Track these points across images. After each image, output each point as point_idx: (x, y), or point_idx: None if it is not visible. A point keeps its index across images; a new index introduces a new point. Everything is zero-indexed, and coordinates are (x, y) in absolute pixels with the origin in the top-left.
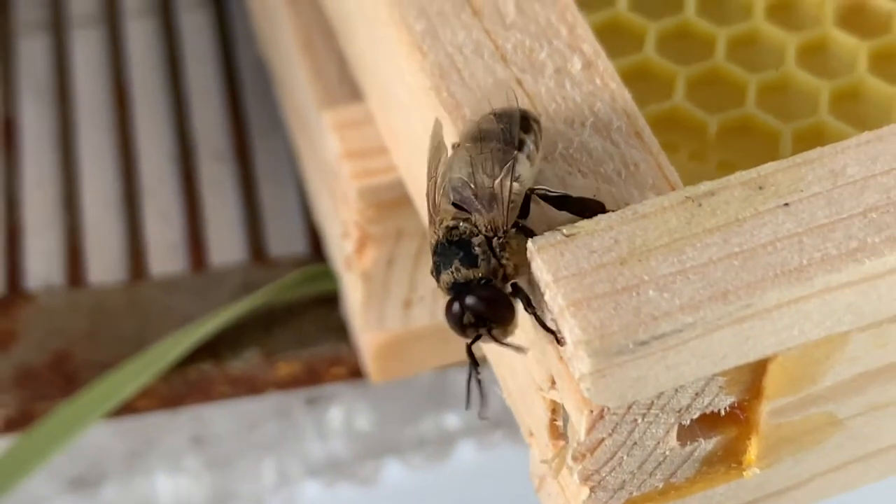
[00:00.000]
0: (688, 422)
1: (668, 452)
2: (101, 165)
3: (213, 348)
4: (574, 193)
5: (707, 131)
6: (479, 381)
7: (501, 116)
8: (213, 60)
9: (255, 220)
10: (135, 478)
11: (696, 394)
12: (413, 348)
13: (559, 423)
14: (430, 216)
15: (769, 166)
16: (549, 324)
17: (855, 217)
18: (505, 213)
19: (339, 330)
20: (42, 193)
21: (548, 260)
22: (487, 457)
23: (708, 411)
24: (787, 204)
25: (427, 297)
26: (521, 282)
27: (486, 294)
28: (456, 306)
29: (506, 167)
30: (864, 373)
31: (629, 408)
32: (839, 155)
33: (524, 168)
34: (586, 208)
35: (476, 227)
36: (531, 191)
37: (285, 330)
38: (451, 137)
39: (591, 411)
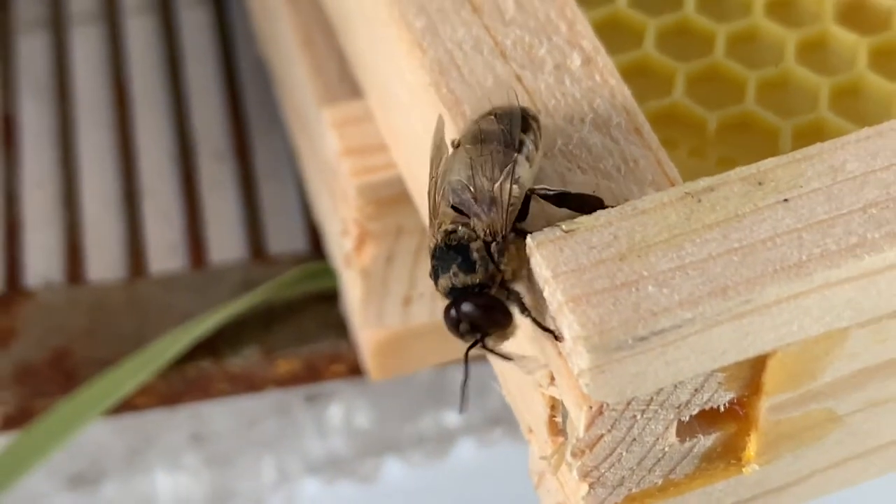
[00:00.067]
0: (687, 418)
1: (667, 449)
2: (100, 163)
3: (212, 346)
4: (573, 190)
5: (707, 128)
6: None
7: (502, 117)
8: (212, 58)
9: (254, 219)
10: (134, 475)
11: (696, 390)
12: (412, 345)
13: (558, 419)
14: (430, 216)
15: (768, 162)
16: (548, 322)
17: (854, 213)
18: (504, 216)
19: (339, 327)
20: (42, 191)
21: (547, 256)
22: (487, 454)
23: (707, 407)
24: (786, 200)
25: (426, 294)
26: (518, 286)
27: (482, 302)
28: (453, 312)
29: (505, 170)
30: (864, 369)
31: (628, 404)
32: (839, 151)
33: (524, 170)
34: (585, 204)
35: (474, 231)
36: (531, 191)
37: (285, 327)
38: (451, 135)
39: (590, 407)
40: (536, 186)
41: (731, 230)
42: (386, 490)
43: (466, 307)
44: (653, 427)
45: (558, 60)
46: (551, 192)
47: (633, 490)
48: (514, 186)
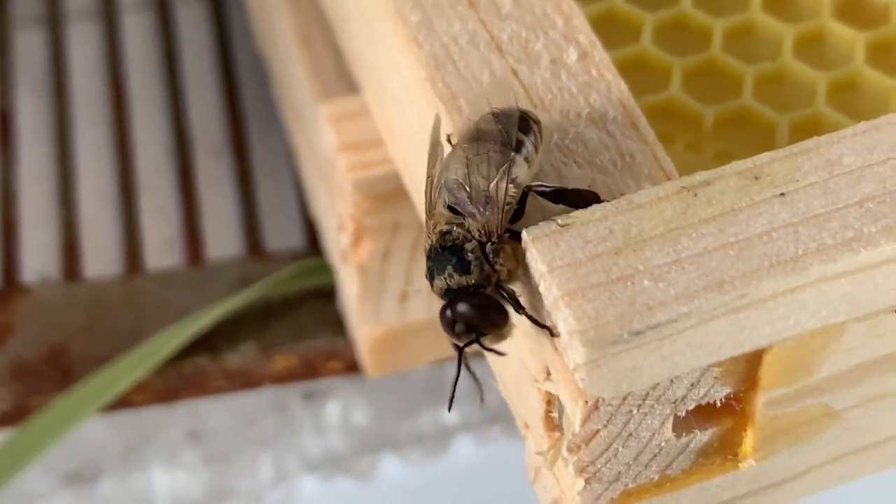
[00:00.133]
0: (683, 413)
1: (663, 444)
2: (97, 159)
3: (209, 342)
4: (569, 184)
5: (703, 122)
6: (473, 374)
7: (500, 117)
8: (210, 55)
9: (251, 215)
10: (131, 473)
11: (692, 384)
12: (409, 342)
13: (554, 414)
14: (427, 215)
15: (765, 156)
16: (544, 317)
17: (851, 207)
18: (499, 216)
19: (336, 324)
20: (38, 187)
21: (542, 250)
22: (485, 451)
23: (703, 402)
24: (783, 194)
25: (423, 290)
26: (514, 286)
27: (477, 302)
28: (448, 313)
29: (501, 170)
30: (861, 364)
31: (624, 399)
32: (835, 145)
33: (521, 170)
34: (581, 200)
35: (469, 232)
36: (528, 188)
37: (282, 324)
38: (447, 129)
39: (586, 402)
40: (533, 183)
41: (728, 224)
42: (384, 488)
43: (462, 307)
44: (649, 422)
45: (555, 55)
46: (547, 189)
47: (630, 485)
48: (511, 186)
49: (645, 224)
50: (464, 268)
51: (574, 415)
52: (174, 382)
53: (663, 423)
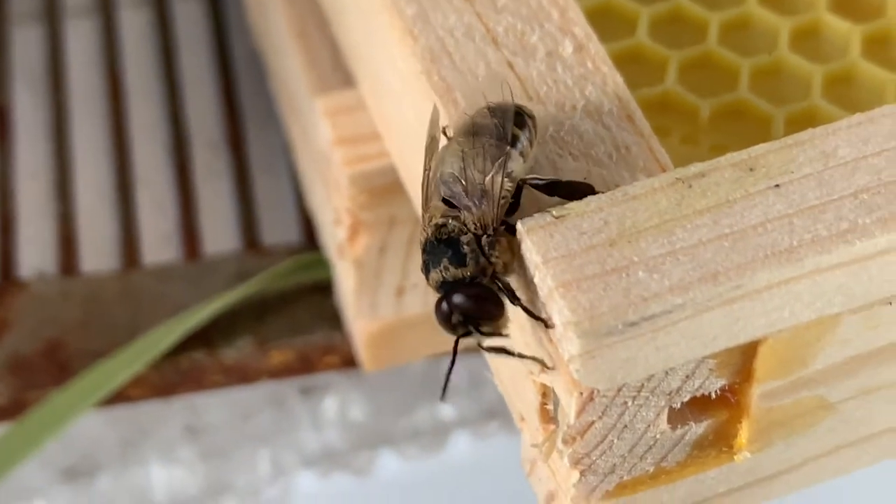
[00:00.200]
0: (678, 405)
1: (658, 436)
2: (94, 155)
3: (205, 337)
4: (565, 176)
5: (699, 115)
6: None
7: (495, 111)
8: (207, 50)
9: (248, 210)
10: (129, 468)
11: (687, 376)
12: (406, 336)
13: (550, 407)
14: (423, 209)
15: (760, 148)
16: (539, 309)
17: (846, 198)
18: (495, 209)
19: (333, 318)
20: (35, 182)
21: (537, 241)
22: (482, 447)
23: (698, 394)
24: (777, 185)
25: (420, 284)
26: (510, 279)
27: (473, 292)
28: (444, 305)
29: (497, 163)
30: (856, 356)
31: (619, 390)
32: (830, 137)
33: (516, 164)
34: (576, 191)
35: (465, 224)
36: (523, 181)
37: (278, 318)
38: (443, 121)
39: (581, 393)
40: (528, 176)
41: (722, 216)
42: (381, 483)
43: (457, 298)
44: (644, 414)
45: (550, 47)
46: (542, 182)
47: (625, 477)
48: (506, 180)
49: (640, 215)
50: (459, 260)
51: (569, 406)
52: (171, 377)
53: (658, 414)
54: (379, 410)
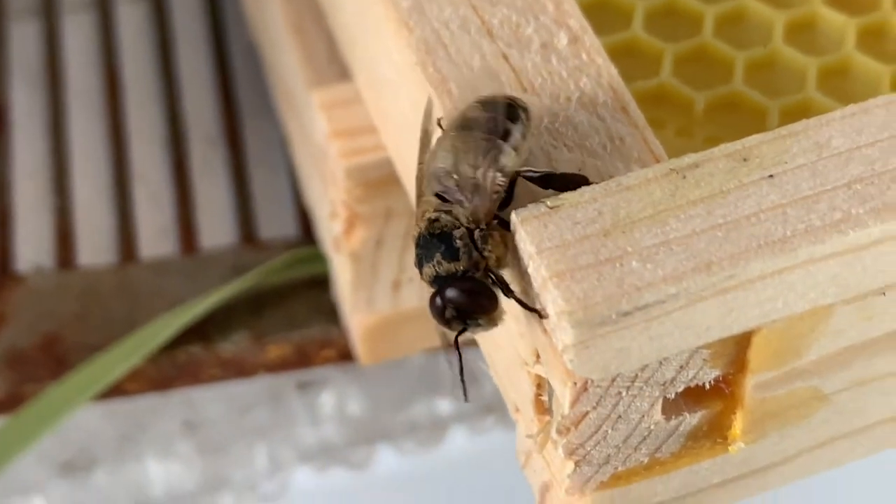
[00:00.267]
0: (672, 395)
1: (652, 426)
2: (92, 149)
3: (202, 331)
4: (559, 167)
5: (694, 108)
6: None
7: (487, 105)
8: (204, 45)
9: (246, 205)
10: (126, 463)
11: (681, 367)
12: (402, 330)
13: (544, 398)
14: (416, 203)
15: (754, 138)
16: (533, 300)
17: (839, 189)
18: (487, 203)
19: (330, 312)
20: (32, 177)
21: (531, 231)
22: (479, 442)
23: (692, 385)
24: (771, 176)
25: (416, 278)
26: (502, 271)
27: (466, 286)
28: (438, 300)
29: (489, 157)
30: (850, 346)
31: (613, 380)
32: (824, 127)
33: (509, 158)
34: (570, 183)
35: (457, 219)
36: (517, 173)
37: (275, 312)
38: (438, 114)
39: (575, 383)
40: (522, 168)
41: (716, 206)
42: (378, 478)
43: (451, 292)
44: (638, 404)
45: (545, 39)
46: (536, 175)
47: (619, 468)
48: (499, 174)
49: (633, 206)
50: (452, 254)
51: (563, 396)
52: (168, 371)
53: (652, 405)
54: (376, 405)
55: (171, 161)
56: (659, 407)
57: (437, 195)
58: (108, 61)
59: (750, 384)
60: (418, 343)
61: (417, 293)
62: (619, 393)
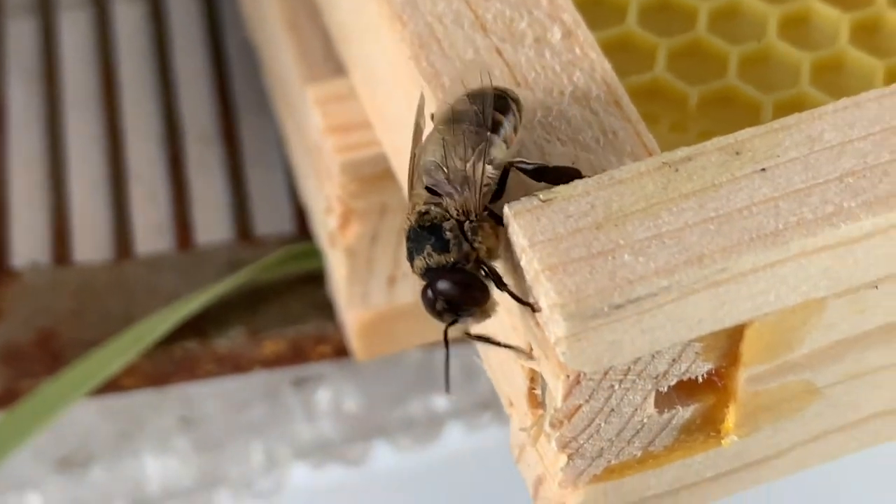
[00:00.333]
0: (665, 388)
1: (645, 420)
2: (88, 147)
3: (198, 327)
4: (553, 161)
5: (688, 102)
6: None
7: (476, 97)
8: (200, 43)
9: (241, 202)
10: (122, 459)
11: (673, 360)
12: (398, 325)
13: (538, 391)
14: (408, 197)
15: (746, 132)
16: (526, 293)
17: (831, 182)
18: (477, 196)
19: (325, 308)
20: (29, 174)
21: (524, 225)
22: (476, 438)
23: (685, 378)
24: (763, 169)
25: (411, 273)
26: (495, 265)
27: (457, 278)
28: (429, 292)
29: (478, 150)
30: (842, 340)
31: (606, 373)
32: (816, 121)
33: (498, 150)
34: (563, 176)
35: (447, 211)
36: (510, 164)
37: (271, 308)
38: (431, 108)
39: (568, 376)
40: (515, 160)
41: (708, 199)
42: (374, 474)
43: (442, 284)
44: (631, 397)
45: (539, 34)
46: (529, 167)
47: (613, 462)
48: (488, 167)
49: (626, 199)
50: (442, 246)
51: (556, 390)
52: (164, 367)
53: (645, 398)
54: (372, 401)
55: (167, 158)
56: (652, 400)
57: (428, 188)
58: (105, 59)
59: (742, 377)
60: (414, 338)
61: (412, 288)
62: (612, 386)
